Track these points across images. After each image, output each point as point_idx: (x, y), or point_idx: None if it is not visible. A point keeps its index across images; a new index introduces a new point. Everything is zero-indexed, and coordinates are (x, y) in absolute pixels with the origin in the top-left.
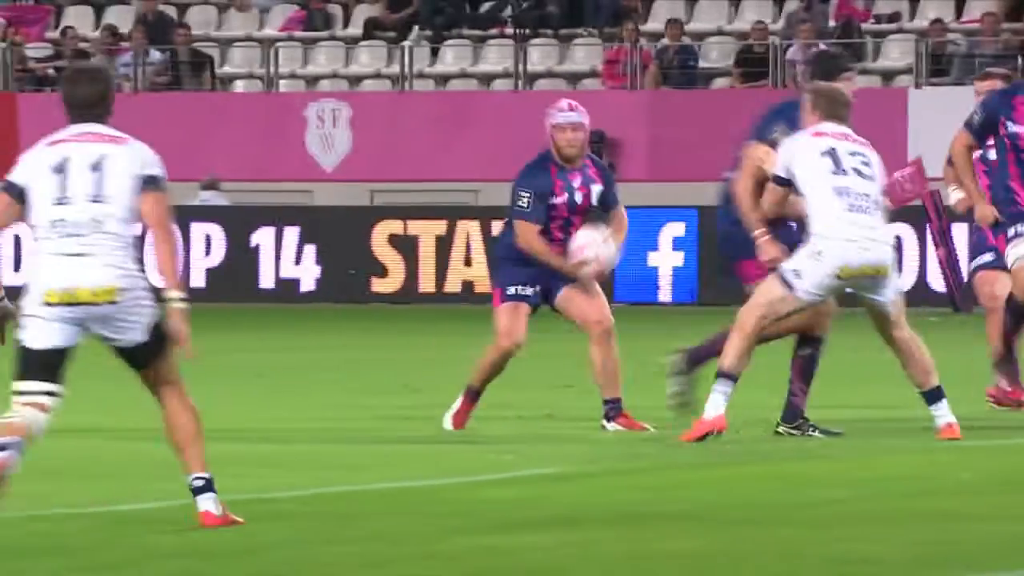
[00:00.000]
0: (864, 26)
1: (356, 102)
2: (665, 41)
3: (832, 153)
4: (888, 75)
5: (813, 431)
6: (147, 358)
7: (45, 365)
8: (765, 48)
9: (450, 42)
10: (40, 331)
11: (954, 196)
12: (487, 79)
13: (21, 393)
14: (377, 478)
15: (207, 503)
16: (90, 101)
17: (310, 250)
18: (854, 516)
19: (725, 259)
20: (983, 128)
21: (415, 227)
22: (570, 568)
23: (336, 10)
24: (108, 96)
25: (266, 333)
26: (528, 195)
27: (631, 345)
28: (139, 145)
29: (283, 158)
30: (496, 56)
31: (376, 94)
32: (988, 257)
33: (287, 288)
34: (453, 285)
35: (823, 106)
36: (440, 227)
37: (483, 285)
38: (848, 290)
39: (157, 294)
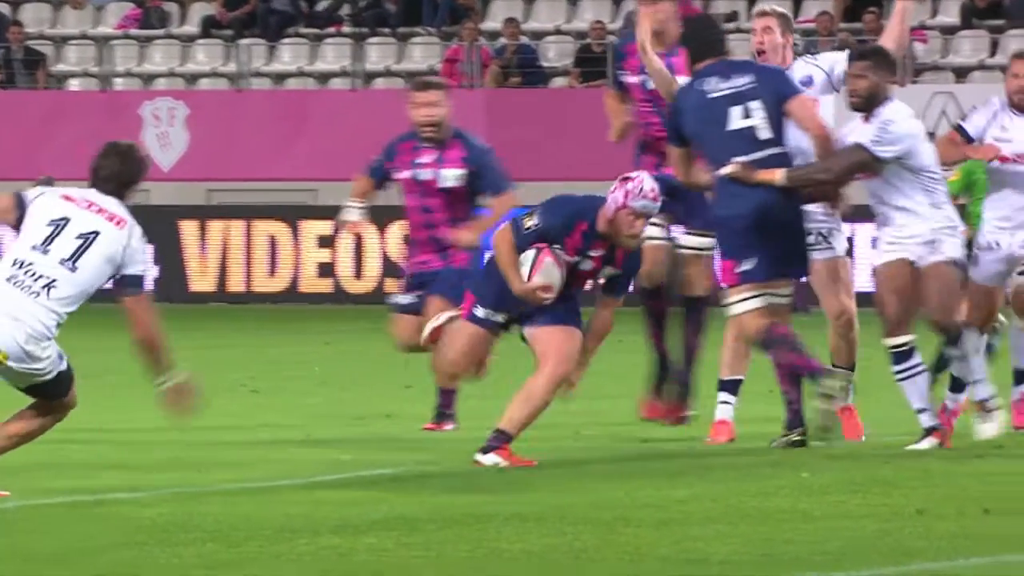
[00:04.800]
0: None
1: (193, 101)
2: (504, 40)
3: None
4: None
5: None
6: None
7: None
8: (604, 47)
9: (287, 40)
10: None
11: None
12: (324, 78)
13: None
14: (214, 480)
15: None
16: (106, 176)
17: (147, 249)
18: (697, 516)
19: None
20: None
21: (253, 226)
22: (413, 569)
23: (172, 8)
24: (124, 176)
25: (103, 332)
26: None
27: None
28: (136, 235)
29: None
30: (333, 55)
31: (213, 93)
32: None
33: None
34: (303, 283)
35: None
36: (278, 227)
37: (316, 285)
38: None
39: None
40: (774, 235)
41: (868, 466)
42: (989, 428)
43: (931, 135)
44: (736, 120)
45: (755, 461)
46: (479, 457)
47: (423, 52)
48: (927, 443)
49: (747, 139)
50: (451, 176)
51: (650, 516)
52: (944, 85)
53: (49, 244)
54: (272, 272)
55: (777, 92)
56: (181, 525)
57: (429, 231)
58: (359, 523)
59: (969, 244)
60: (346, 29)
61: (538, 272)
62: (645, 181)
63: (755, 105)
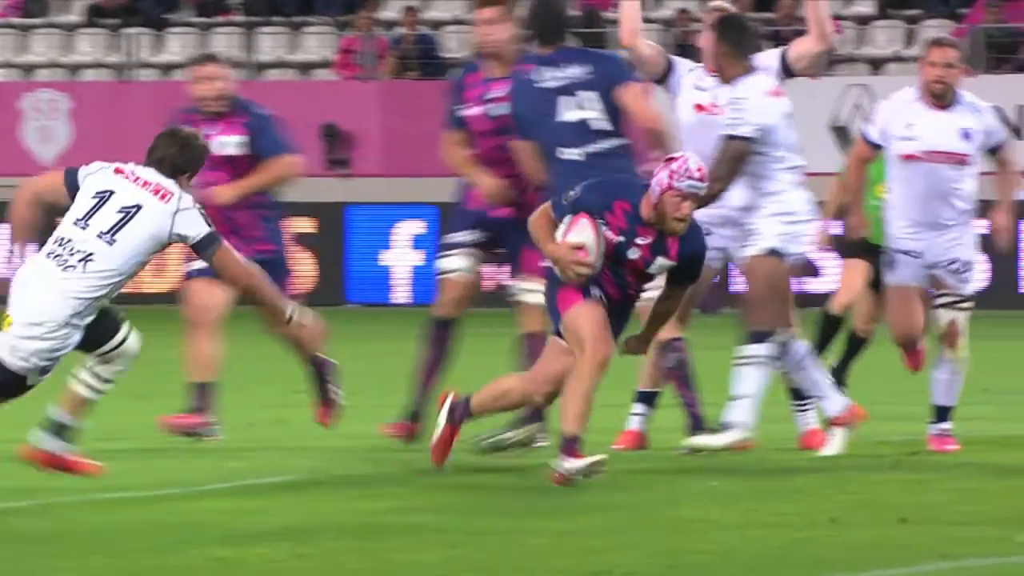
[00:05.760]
0: (607, 15)
1: (76, 93)
2: (401, 30)
3: None
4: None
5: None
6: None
7: None
8: None
9: (175, 30)
10: None
11: None
12: None
13: None
14: (95, 488)
15: None
16: (159, 158)
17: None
18: (602, 525)
19: None
20: None
21: None
22: None
23: None
24: (177, 160)
25: None
26: None
27: (364, 347)
28: (187, 202)
29: None
30: (223, 44)
31: (97, 84)
32: None
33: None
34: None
35: None
36: None
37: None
38: None
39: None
40: None
41: (781, 474)
42: (833, 445)
43: (842, 129)
44: (568, 111)
45: (663, 468)
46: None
47: (318, 42)
48: (836, 437)
49: (579, 131)
50: (231, 143)
51: (554, 526)
52: (859, 77)
53: (90, 218)
54: (157, 271)
55: (611, 81)
56: (61, 536)
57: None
58: (250, 533)
59: (867, 242)
60: (237, 17)
61: (572, 231)
62: (690, 160)
63: (590, 96)
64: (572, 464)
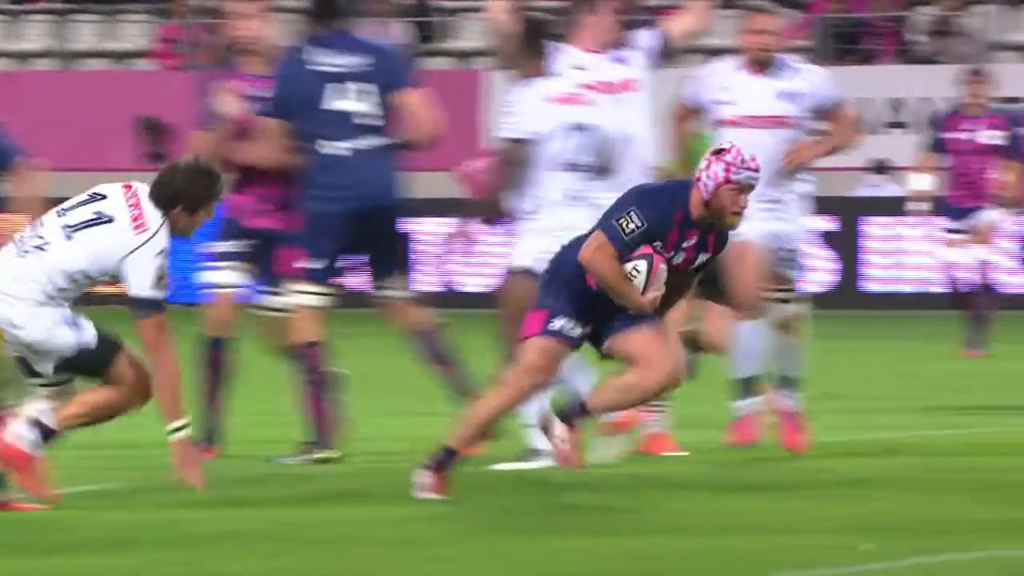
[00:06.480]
0: (439, 3)
1: None
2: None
3: None
4: (463, 56)
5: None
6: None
7: None
8: None
9: None
10: None
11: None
12: (26, 58)
13: None
14: None
15: None
16: (155, 182)
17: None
18: (439, 534)
19: None
20: None
21: None
22: None
23: None
24: (168, 190)
25: None
26: None
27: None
28: (149, 251)
29: None
30: (36, 32)
31: None
32: None
33: None
34: None
35: None
36: None
37: None
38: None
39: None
40: (365, 242)
41: (616, 483)
42: (605, 451)
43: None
44: (335, 100)
45: (503, 477)
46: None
47: (135, 30)
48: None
49: (346, 124)
50: None
51: (388, 534)
52: (697, 68)
53: (70, 211)
54: None
55: (392, 78)
56: None
57: None
58: (62, 543)
59: None
60: (50, 4)
61: (655, 283)
62: (743, 150)
63: (365, 88)
64: (423, 478)
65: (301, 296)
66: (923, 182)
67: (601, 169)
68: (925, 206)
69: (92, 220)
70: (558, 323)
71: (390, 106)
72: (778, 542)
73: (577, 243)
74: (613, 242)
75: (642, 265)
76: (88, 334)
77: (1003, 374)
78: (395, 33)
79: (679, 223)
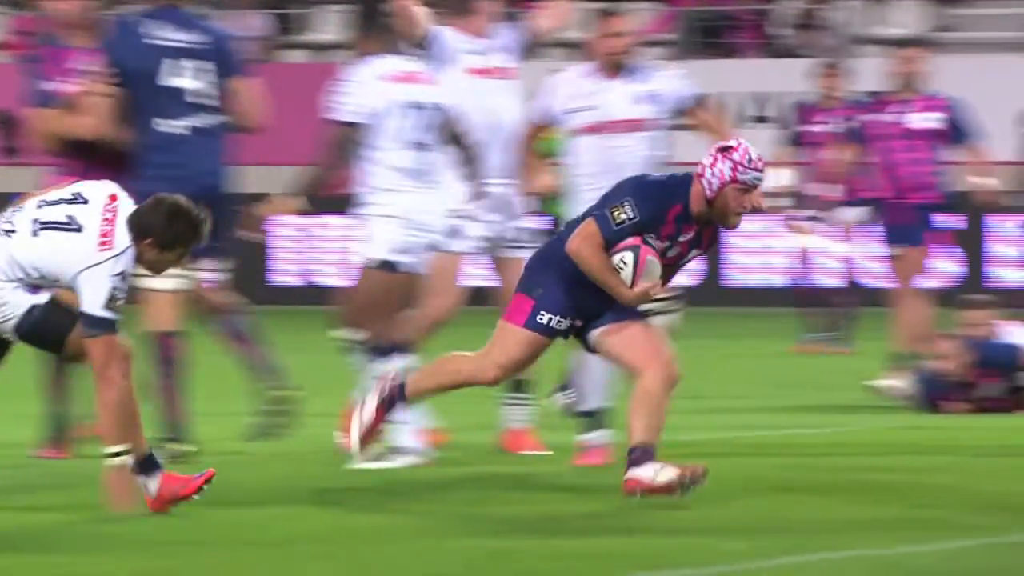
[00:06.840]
0: None
1: None
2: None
3: None
4: (320, 48)
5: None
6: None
7: None
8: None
9: None
10: None
11: None
12: None
13: None
14: None
15: None
16: (133, 212)
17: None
18: (303, 535)
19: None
20: None
21: None
22: None
23: None
24: (141, 225)
25: None
26: None
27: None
28: (105, 270)
29: None
30: None
31: None
32: None
33: None
34: None
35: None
36: None
37: None
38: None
39: None
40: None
41: (473, 482)
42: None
43: None
44: (171, 76)
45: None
46: (636, 474)
47: None
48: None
49: (178, 100)
50: None
51: (256, 536)
52: (558, 62)
53: (47, 206)
54: None
55: (228, 60)
56: None
57: None
58: None
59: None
60: None
61: (643, 274)
62: (751, 148)
63: (201, 66)
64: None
65: (155, 280)
66: (781, 177)
67: (444, 148)
68: (785, 201)
69: (61, 224)
70: (545, 317)
71: (224, 88)
72: (643, 543)
73: (568, 229)
74: (601, 231)
75: (628, 257)
76: (43, 297)
77: (870, 373)
78: (253, 24)
79: (676, 217)
